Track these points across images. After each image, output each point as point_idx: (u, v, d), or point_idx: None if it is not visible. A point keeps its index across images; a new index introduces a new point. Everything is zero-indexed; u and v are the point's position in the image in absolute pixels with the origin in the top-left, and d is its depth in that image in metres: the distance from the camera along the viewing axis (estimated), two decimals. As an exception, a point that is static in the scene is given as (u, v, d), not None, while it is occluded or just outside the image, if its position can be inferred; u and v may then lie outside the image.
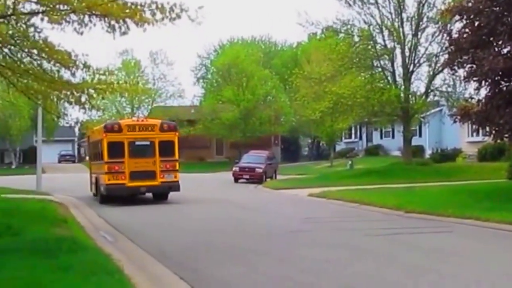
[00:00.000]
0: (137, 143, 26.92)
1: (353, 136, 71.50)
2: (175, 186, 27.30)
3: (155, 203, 26.94)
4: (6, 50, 15.36)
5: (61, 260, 10.44)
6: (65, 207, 23.47)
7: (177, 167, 27.79)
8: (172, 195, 27.74)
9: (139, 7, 13.57)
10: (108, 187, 26.20)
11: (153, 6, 13.60)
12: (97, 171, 28.31)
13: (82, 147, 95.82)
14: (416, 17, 39.12)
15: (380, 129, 61.79)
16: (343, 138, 69.75)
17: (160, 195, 27.95)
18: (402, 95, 39.60)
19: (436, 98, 43.62)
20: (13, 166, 65.31)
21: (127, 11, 13.55)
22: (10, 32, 14.64)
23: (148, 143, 27.08)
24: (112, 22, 13.85)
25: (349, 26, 40.88)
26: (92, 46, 24.40)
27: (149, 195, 28.05)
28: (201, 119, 65.64)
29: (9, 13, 13.67)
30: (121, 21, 13.80)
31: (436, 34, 38.10)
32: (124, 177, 26.29)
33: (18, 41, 15.00)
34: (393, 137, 59.44)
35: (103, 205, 25.40)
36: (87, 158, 33.92)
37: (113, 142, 26.43)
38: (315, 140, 77.34)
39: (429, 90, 40.71)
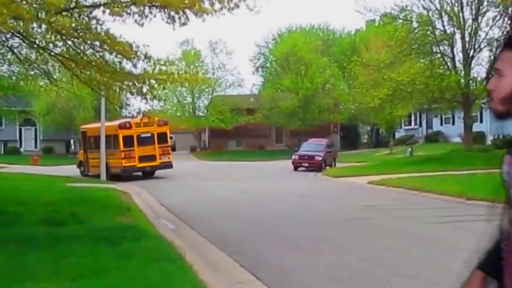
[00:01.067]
0: (142, 135, 36.64)
1: (412, 123, 70.66)
2: (169, 165, 37.73)
3: (216, 190, 27.30)
4: (69, 42, 15.71)
5: (124, 247, 10.65)
6: (128, 195, 23.90)
7: (169, 151, 38.63)
8: (235, 185, 28.45)
9: (198, -3, 13.70)
10: (124, 168, 36.03)
11: (212, -4, 13.71)
12: (106, 157, 36.38)
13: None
14: (476, 1, 38.29)
15: (440, 115, 60.95)
16: (402, 125, 68.99)
17: (153, 172, 37.76)
18: (462, 81, 38.92)
19: (498, 83, 42.74)
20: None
21: (186, 2, 13.68)
22: (73, 25, 14.93)
23: (149, 135, 36.97)
24: (172, 13, 14.04)
25: (407, 12, 40.41)
26: (153, 36, 24.82)
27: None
28: (261, 108, 65.88)
29: (72, 6, 13.98)
30: (180, 12, 13.97)
31: (497, 18, 37.26)
32: (134, 160, 36.15)
33: (81, 34, 15.31)
34: (453, 123, 58.52)
35: (164, 193, 25.79)
36: (78, 148, 43.84)
37: (126, 135, 36.13)
38: (374, 127, 76.68)
39: (490, 75, 39.58)
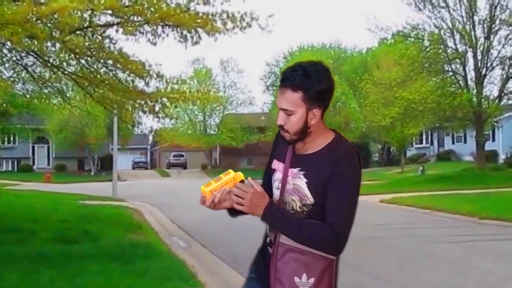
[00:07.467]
0: None
1: (424, 141, 70.54)
2: None
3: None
4: (83, 61, 15.80)
5: (137, 265, 10.63)
6: (140, 213, 23.86)
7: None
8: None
9: (210, 16, 13.74)
10: None
11: (224, 16, 13.75)
12: None
13: (153, 154, 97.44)
14: (488, 19, 38.38)
15: (452, 134, 60.85)
16: (414, 143, 68.86)
17: None
18: (474, 99, 38.88)
19: (510, 101, 42.74)
20: (92, 173, 66.98)
21: (199, 21, 13.75)
22: (87, 44, 15.04)
23: None
24: (184, 32, 14.10)
25: (419, 31, 40.48)
26: (165, 55, 24.98)
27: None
28: (271, 126, 65.93)
29: (85, 25, 14.07)
30: (193, 31, 14.04)
31: (510, 37, 37.41)
32: None
33: (94, 53, 15.40)
34: (465, 142, 58.40)
35: (175, 211, 25.72)
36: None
37: None
38: (385, 145, 76.52)
39: (503, 94, 39.89)
